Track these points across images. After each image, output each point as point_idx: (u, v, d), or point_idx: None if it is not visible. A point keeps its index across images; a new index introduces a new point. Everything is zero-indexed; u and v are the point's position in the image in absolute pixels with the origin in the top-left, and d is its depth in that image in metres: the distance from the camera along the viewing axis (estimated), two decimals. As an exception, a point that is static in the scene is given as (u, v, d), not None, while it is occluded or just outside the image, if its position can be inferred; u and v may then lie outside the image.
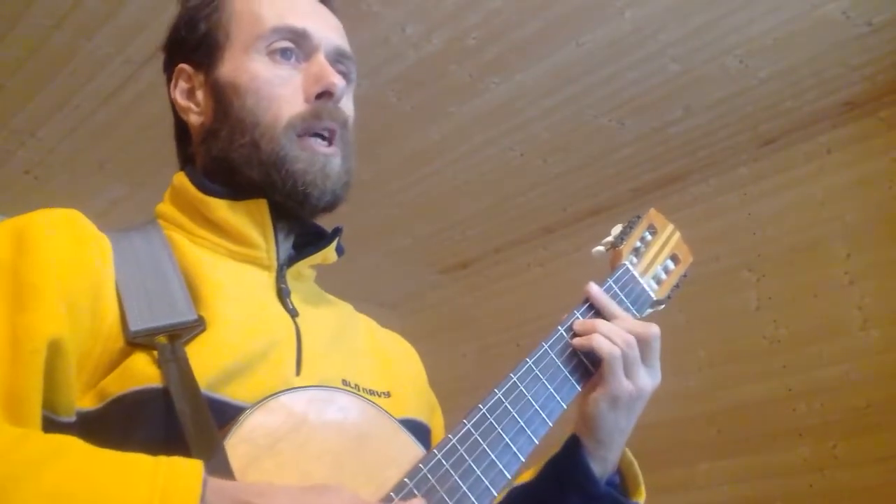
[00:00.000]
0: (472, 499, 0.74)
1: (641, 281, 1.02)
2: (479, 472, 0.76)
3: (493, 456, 0.77)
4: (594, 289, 0.95)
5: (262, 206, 0.87)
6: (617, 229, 1.07)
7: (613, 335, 0.88)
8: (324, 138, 0.89)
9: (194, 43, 0.93)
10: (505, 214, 3.63)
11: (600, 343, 0.88)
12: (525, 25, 2.47)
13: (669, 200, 3.35)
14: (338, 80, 0.89)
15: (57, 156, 2.98)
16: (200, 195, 0.88)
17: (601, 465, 0.92)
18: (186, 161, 0.95)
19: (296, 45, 0.90)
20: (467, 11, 2.40)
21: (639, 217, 1.08)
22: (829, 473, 2.77)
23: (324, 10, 0.95)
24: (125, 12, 2.32)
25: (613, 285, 0.98)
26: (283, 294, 0.88)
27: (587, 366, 0.89)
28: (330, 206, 0.90)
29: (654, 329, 0.91)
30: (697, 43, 2.56)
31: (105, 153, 2.98)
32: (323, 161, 0.87)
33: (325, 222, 0.96)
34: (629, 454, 0.96)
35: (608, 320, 0.92)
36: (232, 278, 0.84)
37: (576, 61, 2.63)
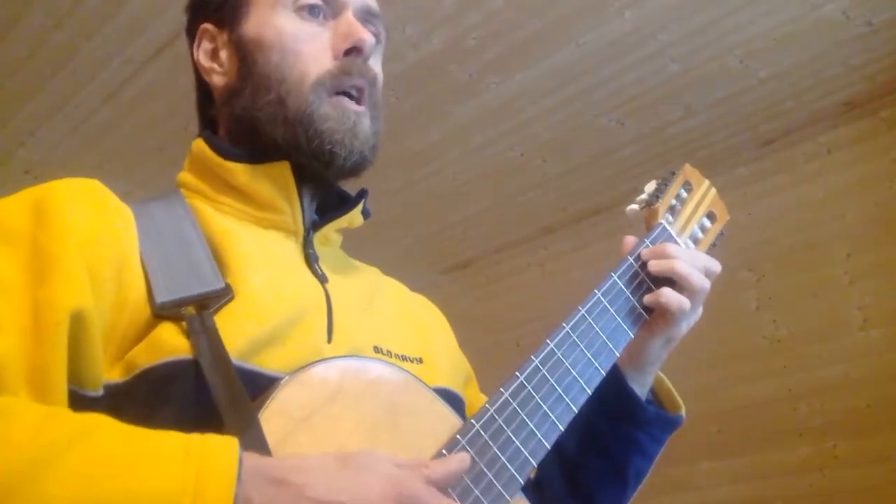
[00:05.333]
0: (512, 470, 0.72)
1: (679, 241, 0.97)
2: (518, 443, 0.74)
3: (531, 426, 0.75)
4: (631, 240, 0.94)
5: (284, 169, 0.85)
6: (651, 186, 1.02)
7: (694, 279, 0.90)
8: (352, 97, 0.86)
9: (218, 2, 0.91)
10: (505, 214, 3.63)
11: (690, 276, 0.90)
12: (525, 25, 2.47)
13: (669, 200, 3.35)
14: (367, 36, 0.87)
15: (57, 156, 2.98)
16: (220, 160, 0.86)
17: (641, 390, 0.94)
18: (207, 126, 0.93)
19: (324, 1, 0.88)
20: (467, 11, 2.40)
21: (673, 173, 1.03)
22: (829, 473, 2.77)
23: None
24: (125, 12, 2.32)
25: (651, 245, 0.94)
26: (311, 260, 0.86)
27: (625, 329, 0.87)
28: (356, 169, 0.87)
29: (718, 265, 0.94)
30: (697, 43, 2.56)
31: (105, 153, 2.98)
32: (354, 119, 0.85)
33: (350, 188, 0.94)
34: (659, 372, 0.98)
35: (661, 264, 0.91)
36: (258, 245, 0.82)
37: (576, 61, 2.63)
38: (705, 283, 0.91)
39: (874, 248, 2.83)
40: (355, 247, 1.00)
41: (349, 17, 0.88)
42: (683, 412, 0.98)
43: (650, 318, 0.90)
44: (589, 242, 3.58)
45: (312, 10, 0.88)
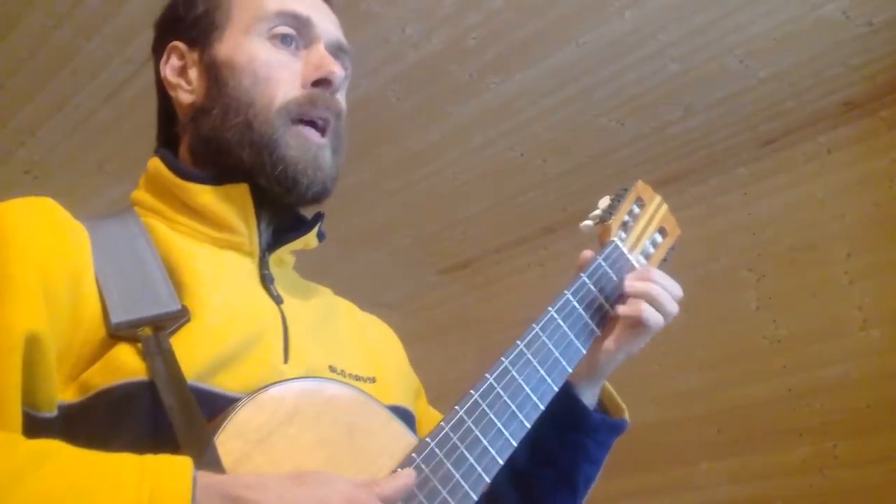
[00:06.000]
0: (466, 487, 0.74)
1: (630, 257, 1.01)
2: (472, 460, 0.76)
3: (485, 442, 0.77)
4: (588, 255, 0.98)
5: (243, 190, 0.86)
6: (605, 202, 1.05)
7: (668, 304, 0.94)
8: (317, 127, 0.88)
9: (191, 21, 0.92)
10: (505, 214, 3.63)
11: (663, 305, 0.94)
12: (525, 25, 2.47)
13: (669, 201, 3.32)
14: (338, 70, 0.89)
15: (57, 156, 2.98)
16: (178, 180, 0.86)
17: (591, 401, 0.97)
18: (167, 141, 0.94)
19: (297, 32, 0.90)
20: (467, 11, 2.40)
21: (626, 189, 1.06)
22: (829, 473, 2.77)
23: (324, 4, 0.95)
24: (125, 12, 2.32)
25: (603, 263, 0.97)
26: (266, 281, 0.87)
27: (578, 346, 0.90)
28: (318, 198, 0.89)
29: (680, 290, 0.97)
30: (697, 43, 2.56)
31: (105, 153, 2.98)
32: (315, 151, 0.87)
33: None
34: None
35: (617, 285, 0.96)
36: (214, 266, 0.83)
37: (576, 61, 2.63)
38: (675, 308, 0.95)
39: (874, 248, 2.83)
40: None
41: (321, 49, 0.90)
42: (626, 416, 1.00)
43: (619, 331, 0.94)
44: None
45: (285, 39, 0.89)
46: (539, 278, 3.86)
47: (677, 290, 0.97)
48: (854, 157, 2.94)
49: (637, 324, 0.93)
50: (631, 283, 0.94)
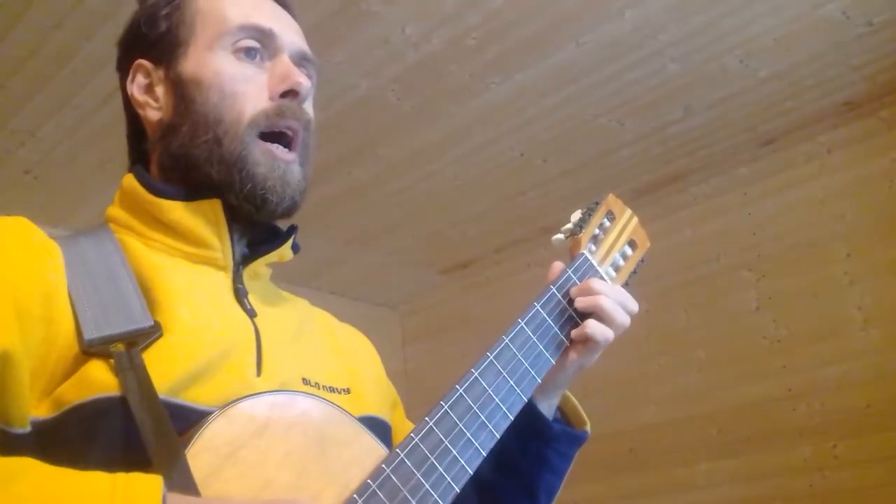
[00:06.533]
0: (435, 496, 0.75)
1: (600, 270, 1.03)
2: (441, 470, 0.77)
3: (455, 452, 0.78)
4: (559, 267, 1.00)
5: (215, 205, 0.86)
6: (576, 216, 1.07)
7: (618, 316, 0.96)
8: (285, 140, 0.88)
9: (155, 38, 0.92)
10: (505, 214, 3.63)
11: (602, 327, 0.95)
12: (525, 25, 2.47)
13: (669, 200, 3.35)
14: (304, 80, 0.89)
15: (57, 156, 2.98)
16: (151, 197, 0.87)
17: (549, 410, 0.98)
18: (138, 158, 0.94)
19: (261, 44, 0.90)
20: (467, 11, 2.40)
21: (597, 203, 1.08)
22: (829, 473, 2.77)
23: (286, 14, 0.96)
24: (125, 12, 2.30)
25: (573, 275, 0.99)
26: (240, 294, 0.87)
27: (547, 357, 0.91)
28: (287, 213, 0.90)
29: (636, 305, 0.99)
30: (697, 43, 2.56)
31: (105, 153, 2.97)
32: (283, 168, 0.87)
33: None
34: (566, 390, 1.02)
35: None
36: (188, 281, 0.83)
37: (576, 61, 2.63)
38: (626, 320, 0.96)
39: (874, 248, 2.83)
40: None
41: (285, 59, 0.90)
42: (588, 427, 1.02)
43: (573, 347, 0.95)
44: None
45: (249, 53, 0.89)
46: (539, 278, 3.82)
47: (630, 301, 0.98)
48: (854, 157, 2.95)
49: (586, 339, 0.94)
50: (579, 299, 0.95)
